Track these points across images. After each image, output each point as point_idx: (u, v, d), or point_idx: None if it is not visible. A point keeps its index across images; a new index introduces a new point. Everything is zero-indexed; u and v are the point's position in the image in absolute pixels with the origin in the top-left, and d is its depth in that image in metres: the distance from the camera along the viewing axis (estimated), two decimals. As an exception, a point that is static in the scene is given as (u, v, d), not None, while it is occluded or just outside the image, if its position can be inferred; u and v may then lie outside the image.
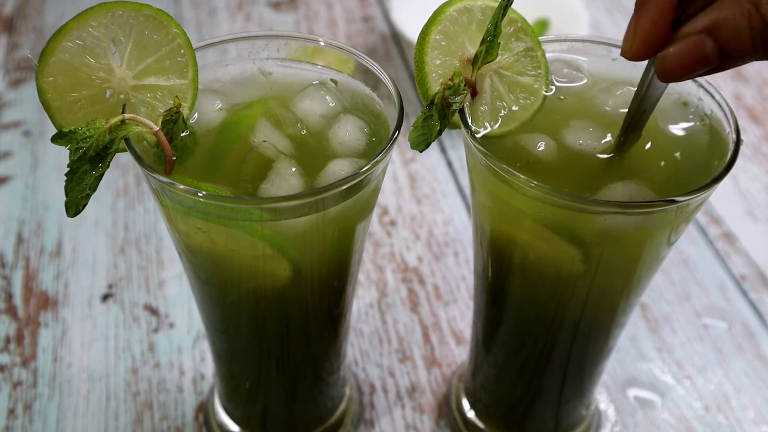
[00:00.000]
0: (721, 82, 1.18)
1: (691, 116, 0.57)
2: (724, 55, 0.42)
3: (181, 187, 0.48)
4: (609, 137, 0.55)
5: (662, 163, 0.54)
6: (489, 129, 0.55)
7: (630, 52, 0.46)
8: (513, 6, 0.53)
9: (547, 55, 0.57)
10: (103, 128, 0.48)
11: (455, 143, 1.07)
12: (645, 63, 0.50)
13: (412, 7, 1.13)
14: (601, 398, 0.79)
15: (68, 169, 0.47)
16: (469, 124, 0.54)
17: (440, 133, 0.52)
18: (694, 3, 0.43)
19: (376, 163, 0.51)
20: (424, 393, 0.79)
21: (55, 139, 0.47)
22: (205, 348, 0.82)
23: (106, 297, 0.87)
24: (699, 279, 0.90)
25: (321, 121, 0.57)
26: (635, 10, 0.45)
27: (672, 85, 0.53)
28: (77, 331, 0.83)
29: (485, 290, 0.65)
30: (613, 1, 1.34)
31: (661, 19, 0.44)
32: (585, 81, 0.59)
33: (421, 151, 0.52)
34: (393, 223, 0.96)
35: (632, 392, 0.80)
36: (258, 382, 0.69)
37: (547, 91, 0.57)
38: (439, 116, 0.51)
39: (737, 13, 0.40)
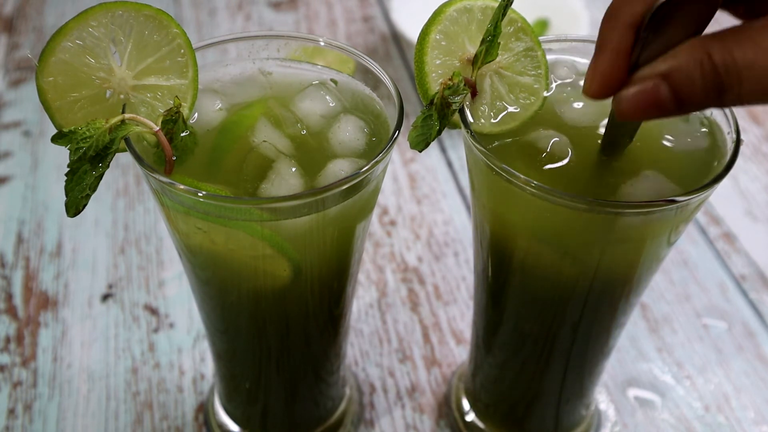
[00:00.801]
0: (721, 82, 1.18)
1: (690, 116, 0.57)
2: (679, 101, 0.43)
3: (181, 187, 0.48)
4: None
5: (662, 163, 0.54)
6: (489, 129, 0.55)
7: (590, 92, 0.48)
8: (513, 6, 0.53)
9: (554, 56, 0.57)
10: (103, 128, 0.48)
11: (455, 143, 1.07)
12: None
13: (412, 7, 1.13)
14: (601, 398, 0.79)
15: (68, 169, 0.47)
16: (469, 123, 0.54)
17: (439, 133, 0.52)
18: (650, 48, 0.44)
19: (376, 163, 0.51)
20: (424, 393, 0.79)
21: (55, 139, 0.47)
22: (205, 348, 0.82)
23: (106, 297, 0.87)
24: (699, 279, 0.90)
25: (321, 121, 0.57)
26: (594, 53, 0.47)
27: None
28: (77, 331, 0.83)
29: (485, 290, 0.65)
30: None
31: (617, 61, 0.45)
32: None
33: (420, 151, 0.52)
34: (393, 223, 0.96)
35: (632, 392, 0.80)
36: (258, 382, 0.69)
37: (547, 92, 0.57)
38: (438, 116, 0.51)
39: (691, 60, 0.41)
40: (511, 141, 0.55)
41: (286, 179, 0.52)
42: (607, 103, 0.58)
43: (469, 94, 0.54)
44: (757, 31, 0.40)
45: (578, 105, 0.58)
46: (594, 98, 0.48)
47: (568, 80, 0.59)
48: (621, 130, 0.53)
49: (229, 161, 0.54)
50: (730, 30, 0.41)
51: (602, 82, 0.46)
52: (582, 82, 0.59)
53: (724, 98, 0.41)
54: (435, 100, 0.52)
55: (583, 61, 0.61)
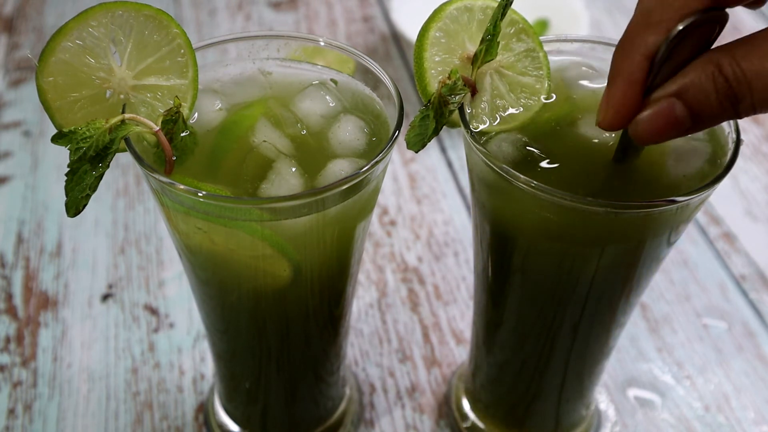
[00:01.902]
0: (721, 82, 1.18)
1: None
2: (695, 117, 0.43)
3: (181, 187, 0.48)
4: (612, 138, 0.55)
5: (662, 163, 0.54)
6: (489, 128, 0.55)
7: (604, 123, 0.48)
8: (513, 6, 0.53)
9: (562, 57, 0.57)
10: (103, 128, 0.48)
11: (455, 143, 1.07)
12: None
13: (412, 7, 1.13)
14: (601, 398, 0.79)
15: (68, 169, 0.47)
16: (469, 123, 0.54)
17: (436, 132, 0.51)
18: (662, 71, 0.45)
19: (376, 163, 0.51)
20: (424, 393, 0.79)
21: (55, 139, 0.47)
22: (205, 348, 0.82)
23: (106, 297, 0.87)
24: (699, 279, 0.90)
25: (321, 121, 0.57)
26: (607, 83, 0.47)
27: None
28: (77, 331, 0.83)
29: (485, 290, 0.65)
30: (613, 1, 1.34)
31: (631, 91, 0.46)
32: (593, 83, 0.59)
33: (416, 152, 0.52)
34: (393, 223, 0.96)
35: (632, 392, 0.80)
36: (258, 382, 0.69)
37: (548, 95, 0.56)
38: (435, 115, 0.51)
39: (702, 76, 0.42)
40: (511, 140, 0.55)
41: (286, 179, 0.52)
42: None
43: (468, 94, 0.54)
44: (763, 40, 0.41)
45: (581, 106, 0.58)
46: (609, 129, 0.48)
47: (571, 81, 0.59)
48: (633, 151, 0.53)
49: (229, 161, 0.54)
50: (737, 42, 0.42)
51: (617, 113, 0.47)
52: (583, 82, 0.59)
53: (738, 108, 0.42)
54: (432, 99, 0.51)
55: (585, 61, 0.61)
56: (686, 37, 0.44)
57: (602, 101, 0.48)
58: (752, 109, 0.42)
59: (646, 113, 0.45)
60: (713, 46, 0.45)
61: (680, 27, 0.43)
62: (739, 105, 0.42)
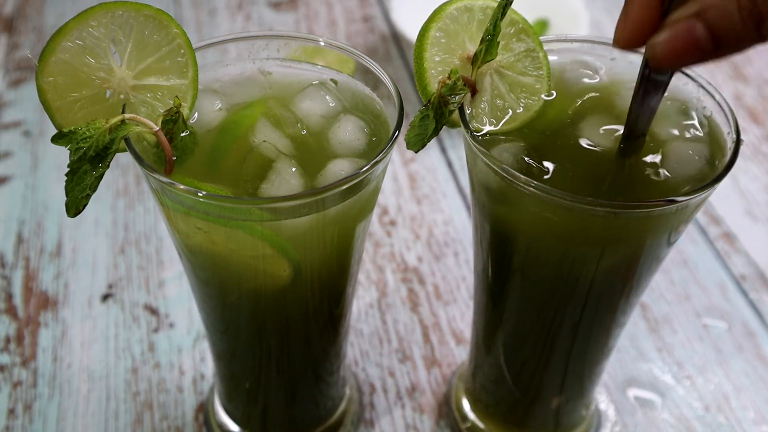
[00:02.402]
0: (721, 82, 1.18)
1: (691, 116, 0.57)
2: (717, 39, 0.41)
3: (181, 187, 0.48)
4: (613, 139, 0.55)
5: (662, 164, 0.54)
6: (489, 128, 0.55)
7: (621, 41, 0.46)
8: (513, 6, 0.53)
9: (563, 57, 0.57)
10: (103, 128, 0.48)
11: (455, 143, 1.07)
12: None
13: (412, 7, 1.13)
14: (601, 398, 0.79)
15: (68, 169, 0.47)
16: (469, 123, 0.54)
17: (436, 132, 0.51)
18: None
19: (376, 163, 0.51)
20: (424, 393, 0.79)
21: (55, 139, 0.47)
22: (205, 348, 0.82)
23: (106, 297, 0.87)
24: (699, 279, 0.90)
25: (321, 121, 0.57)
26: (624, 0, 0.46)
27: (672, 87, 0.53)
28: (77, 331, 0.83)
29: (485, 290, 0.65)
30: (613, 1, 1.34)
31: (649, 6, 0.44)
32: (596, 82, 0.59)
33: (416, 152, 0.52)
34: (393, 223, 0.96)
35: (632, 392, 0.80)
36: (258, 382, 0.69)
37: (548, 96, 0.56)
38: (434, 115, 0.51)
39: None
40: (511, 140, 0.55)
41: (286, 179, 0.52)
42: (610, 106, 0.58)
43: (468, 94, 0.54)
44: None
45: (581, 106, 0.58)
46: (625, 47, 0.46)
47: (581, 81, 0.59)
48: (639, 123, 0.52)
49: (229, 161, 0.54)
50: None
51: (634, 29, 0.45)
52: (583, 81, 0.59)
53: (763, 29, 0.40)
54: (432, 99, 0.51)
55: (600, 63, 0.61)
56: None
57: (620, 19, 0.46)
58: None
59: (663, 34, 0.43)
60: None
61: None
62: (763, 25, 0.40)
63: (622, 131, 0.54)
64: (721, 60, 0.44)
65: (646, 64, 0.49)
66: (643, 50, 0.46)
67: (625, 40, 0.46)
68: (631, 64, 0.59)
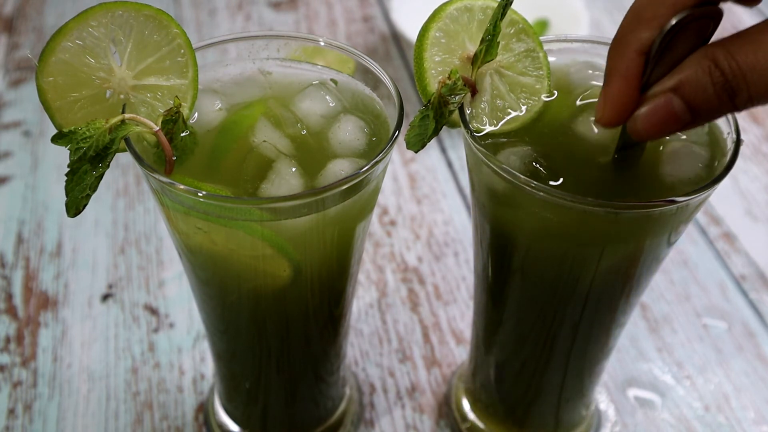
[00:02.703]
0: (721, 82, 1.18)
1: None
2: (694, 111, 0.43)
3: (181, 187, 0.48)
4: (613, 139, 0.55)
5: (662, 164, 0.54)
6: (489, 128, 0.55)
7: (603, 120, 0.48)
8: (513, 6, 0.53)
9: (564, 57, 0.57)
10: (103, 128, 0.48)
11: (455, 143, 1.07)
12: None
13: (412, 7, 1.13)
14: (601, 398, 0.79)
15: (68, 169, 0.47)
16: (469, 123, 0.54)
17: (436, 132, 0.51)
18: (658, 68, 0.45)
19: (376, 163, 0.51)
20: (424, 393, 0.79)
21: (55, 139, 0.47)
22: (205, 348, 0.82)
23: (106, 297, 0.87)
24: (699, 279, 0.90)
25: (321, 121, 0.57)
26: (604, 81, 0.48)
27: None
28: (77, 331, 0.83)
29: (485, 290, 0.65)
30: (613, 1, 1.34)
31: (627, 87, 0.46)
32: (594, 83, 0.59)
33: (416, 152, 0.52)
34: (393, 223, 0.96)
35: (632, 392, 0.80)
36: (258, 382, 0.69)
37: (548, 96, 0.56)
38: (435, 115, 0.51)
39: (699, 70, 0.42)
40: (511, 141, 0.55)
41: (286, 179, 0.52)
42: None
43: (468, 94, 0.54)
44: (757, 34, 0.41)
45: (581, 107, 0.58)
46: (607, 126, 0.48)
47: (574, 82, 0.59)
48: (633, 146, 0.53)
49: (229, 161, 0.54)
50: (732, 36, 0.42)
51: (614, 109, 0.47)
52: (584, 82, 0.59)
53: (736, 101, 0.42)
54: (432, 99, 0.51)
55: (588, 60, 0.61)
56: (681, 33, 0.44)
57: (599, 99, 0.48)
58: (750, 102, 0.42)
59: (643, 109, 0.45)
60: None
61: (673, 22, 0.43)
62: (736, 98, 0.42)
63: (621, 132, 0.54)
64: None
65: (625, 133, 0.50)
66: None
67: (607, 119, 0.48)
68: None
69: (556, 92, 0.58)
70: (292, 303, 0.60)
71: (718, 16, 0.45)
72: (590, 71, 0.60)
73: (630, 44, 0.45)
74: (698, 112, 0.43)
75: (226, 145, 0.55)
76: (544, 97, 0.56)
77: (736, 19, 1.25)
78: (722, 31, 0.44)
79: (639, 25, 0.45)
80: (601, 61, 0.60)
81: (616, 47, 0.46)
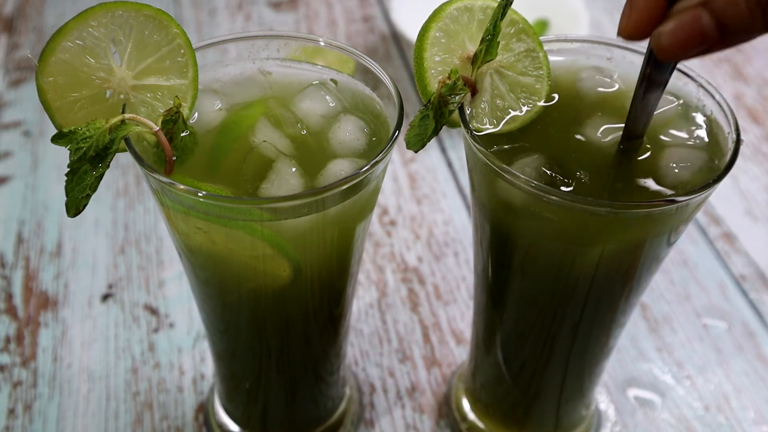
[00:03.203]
0: (721, 82, 1.18)
1: (691, 117, 0.57)
2: (723, 29, 0.41)
3: (181, 187, 0.48)
4: (613, 139, 0.55)
5: (662, 164, 0.54)
6: (489, 128, 0.55)
7: (626, 30, 0.45)
8: (513, 6, 0.53)
9: (565, 57, 0.57)
10: (103, 128, 0.48)
11: (455, 143, 1.07)
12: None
13: (412, 7, 1.13)
14: (601, 398, 0.79)
15: (68, 169, 0.47)
16: (469, 123, 0.54)
17: (436, 132, 0.51)
18: None
19: (376, 163, 0.51)
20: (424, 393, 0.79)
21: (55, 139, 0.47)
22: (205, 348, 0.82)
23: (106, 297, 0.87)
24: (699, 279, 0.90)
25: (321, 121, 0.57)
26: None
27: (671, 86, 0.53)
28: (77, 331, 0.83)
29: (485, 290, 0.65)
30: (613, 1, 1.34)
31: None
32: (595, 83, 0.59)
33: (416, 152, 0.52)
34: (393, 223, 0.96)
35: (632, 392, 0.80)
36: (258, 382, 0.69)
37: (549, 95, 0.56)
38: (434, 115, 0.51)
39: None
40: (511, 141, 0.55)
41: (286, 179, 0.52)
42: (611, 106, 0.58)
43: (468, 94, 0.54)
44: None
45: (582, 107, 0.58)
46: (629, 38, 0.45)
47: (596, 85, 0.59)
48: (638, 123, 0.51)
49: (229, 161, 0.54)
50: None
51: (639, 19, 0.44)
52: (585, 82, 0.59)
53: None
54: (432, 99, 0.51)
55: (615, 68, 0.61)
56: None
57: (624, 8, 0.45)
58: None
59: (669, 24, 0.43)
60: None
61: None
62: None
63: (621, 132, 0.54)
64: (727, 49, 0.43)
65: (649, 59, 0.49)
66: (644, 49, 0.46)
67: (630, 30, 0.45)
68: (632, 64, 0.59)
69: (556, 95, 0.58)
70: (292, 303, 0.60)
71: None
72: (598, 76, 0.60)
73: None
74: (728, 29, 0.41)
75: (226, 145, 0.55)
76: (543, 103, 0.56)
77: None
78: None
79: None
80: (610, 66, 0.60)
81: None
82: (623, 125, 0.53)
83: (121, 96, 0.52)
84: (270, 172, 0.52)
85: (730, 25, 0.41)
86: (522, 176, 0.50)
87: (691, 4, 0.42)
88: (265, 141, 0.54)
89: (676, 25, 0.42)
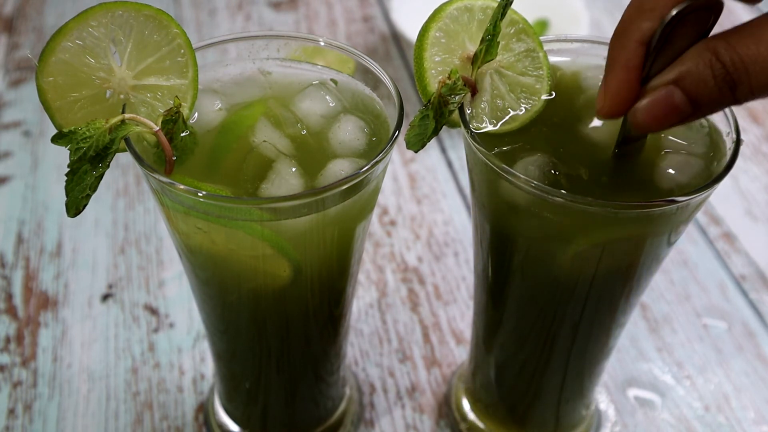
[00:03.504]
0: (721, 82, 1.18)
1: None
2: (695, 104, 0.43)
3: (181, 187, 0.48)
4: (613, 139, 0.55)
5: (662, 164, 0.54)
6: (489, 128, 0.55)
7: (603, 111, 0.48)
8: (513, 6, 0.53)
9: (565, 58, 0.57)
10: (103, 128, 0.48)
11: (455, 143, 1.07)
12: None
13: (412, 7, 1.13)
14: (601, 398, 0.79)
15: (68, 169, 0.47)
16: (469, 123, 0.54)
17: (436, 132, 0.51)
18: (659, 60, 0.45)
19: (376, 163, 0.51)
20: (424, 393, 0.79)
21: (55, 139, 0.47)
22: (205, 348, 0.82)
23: (106, 297, 0.87)
24: (699, 279, 0.90)
25: (321, 121, 0.57)
26: (605, 71, 0.47)
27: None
28: (77, 331, 0.83)
29: (485, 290, 0.65)
30: (613, 1, 1.34)
31: (628, 78, 0.46)
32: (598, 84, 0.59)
33: (416, 152, 0.52)
34: (393, 223, 0.96)
35: (632, 392, 0.80)
36: (258, 382, 0.69)
37: (549, 95, 0.56)
38: (434, 115, 0.51)
39: (700, 63, 0.42)
40: (511, 140, 0.55)
41: (286, 179, 0.52)
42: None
43: (468, 94, 0.54)
44: (757, 27, 0.42)
45: (582, 107, 0.58)
46: (607, 117, 0.48)
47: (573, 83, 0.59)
48: (634, 140, 0.53)
49: (229, 161, 0.54)
50: (733, 29, 0.42)
51: (615, 100, 0.47)
52: (586, 82, 0.59)
53: (737, 94, 0.42)
54: (432, 99, 0.51)
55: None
56: (681, 25, 0.44)
57: (600, 89, 0.48)
58: (750, 95, 0.42)
59: (644, 101, 0.45)
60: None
61: (674, 12, 0.43)
62: (737, 90, 0.42)
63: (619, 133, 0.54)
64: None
65: (624, 122, 0.50)
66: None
67: (607, 110, 0.47)
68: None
69: (554, 93, 0.58)
70: (292, 303, 0.60)
71: (719, 8, 0.45)
72: (598, 76, 0.59)
73: (631, 34, 0.45)
74: (699, 104, 0.43)
75: (226, 145, 0.55)
76: (545, 97, 0.56)
77: (735, 18, 1.25)
78: (721, 29, 0.44)
79: (640, 15, 0.45)
80: (599, 61, 0.60)
81: (618, 38, 0.46)
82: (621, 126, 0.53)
83: (121, 96, 0.52)
84: (270, 172, 0.52)
85: (701, 100, 0.43)
86: (522, 176, 0.50)
87: (663, 82, 0.44)
88: (265, 141, 0.54)
89: (649, 102, 0.45)
